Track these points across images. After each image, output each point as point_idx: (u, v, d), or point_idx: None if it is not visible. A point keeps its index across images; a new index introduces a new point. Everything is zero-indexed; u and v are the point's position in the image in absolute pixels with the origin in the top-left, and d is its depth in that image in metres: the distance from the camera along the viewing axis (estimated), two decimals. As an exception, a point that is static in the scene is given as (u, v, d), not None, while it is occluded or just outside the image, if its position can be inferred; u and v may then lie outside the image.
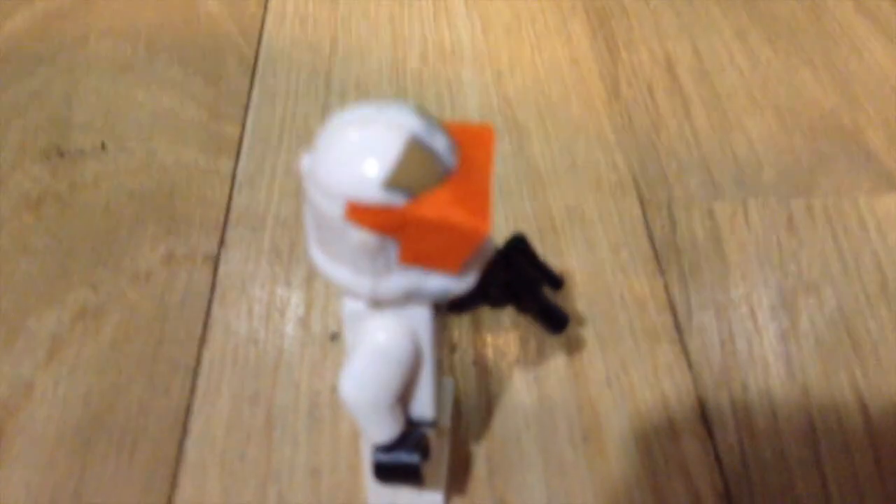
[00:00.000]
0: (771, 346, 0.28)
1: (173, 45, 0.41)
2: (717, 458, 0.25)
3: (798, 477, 0.25)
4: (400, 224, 0.15)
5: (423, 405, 0.19)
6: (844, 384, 0.27)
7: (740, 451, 0.25)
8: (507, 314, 0.29)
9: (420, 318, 0.17)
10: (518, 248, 0.21)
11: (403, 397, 0.18)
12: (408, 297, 0.17)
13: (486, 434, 0.25)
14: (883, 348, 0.28)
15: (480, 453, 0.25)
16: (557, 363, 0.27)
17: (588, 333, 0.28)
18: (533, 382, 0.27)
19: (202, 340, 0.28)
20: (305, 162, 0.16)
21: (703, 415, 0.26)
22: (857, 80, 0.39)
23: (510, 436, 0.25)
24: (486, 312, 0.29)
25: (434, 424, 0.19)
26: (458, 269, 0.16)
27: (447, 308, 0.20)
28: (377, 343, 0.17)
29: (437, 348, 0.18)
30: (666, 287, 0.30)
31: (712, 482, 0.24)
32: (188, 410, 0.26)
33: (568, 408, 0.26)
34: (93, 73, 0.39)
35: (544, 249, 0.31)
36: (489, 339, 0.28)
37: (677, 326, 0.28)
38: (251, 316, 0.29)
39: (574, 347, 0.28)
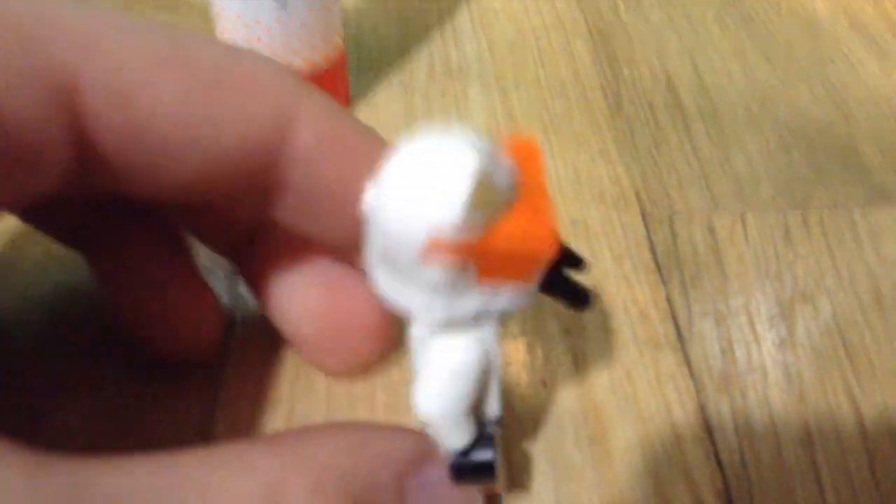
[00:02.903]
0: (769, 353, 0.29)
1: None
2: (718, 461, 0.26)
3: (796, 479, 0.26)
4: (479, 254, 0.16)
5: (492, 408, 0.20)
6: (840, 391, 0.28)
7: (740, 454, 0.26)
8: (515, 321, 0.30)
9: (488, 334, 0.18)
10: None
11: (475, 405, 0.19)
12: (478, 317, 0.17)
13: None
14: (877, 356, 0.29)
15: (490, 457, 0.26)
16: (563, 370, 0.28)
17: (593, 341, 0.29)
18: (540, 388, 0.28)
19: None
20: (372, 195, 0.17)
21: (704, 419, 0.27)
22: (851, 97, 0.40)
23: (519, 440, 0.26)
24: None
25: (500, 422, 0.20)
26: (533, 281, 0.16)
27: None
28: (454, 363, 0.18)
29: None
30: (668, 297, 0.31)
31: (713, 484, 0.25)
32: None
33: (574, 413, 0.27)
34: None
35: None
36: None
37: (679, 335, 0.29)
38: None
39: (579, 355, 0.29)
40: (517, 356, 0.29)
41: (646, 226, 0.33)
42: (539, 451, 0.26)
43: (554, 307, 0.30)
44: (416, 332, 0.18)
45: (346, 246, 0.21)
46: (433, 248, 0.15)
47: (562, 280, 0.21)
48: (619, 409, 0.27)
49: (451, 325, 0.18)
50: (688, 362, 0.29)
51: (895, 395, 0.28)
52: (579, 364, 0.28)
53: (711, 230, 0.33)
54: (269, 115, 0.19)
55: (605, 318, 0.30)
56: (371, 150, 0.19)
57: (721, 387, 0.28)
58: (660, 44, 0.44)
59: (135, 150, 0.17)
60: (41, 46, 0.16)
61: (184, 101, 0.17)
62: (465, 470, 0.19)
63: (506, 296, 0.17)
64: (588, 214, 0.34)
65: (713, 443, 0.26)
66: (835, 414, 0.27)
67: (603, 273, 0.31)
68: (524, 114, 0.39)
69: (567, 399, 0.27)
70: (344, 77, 0.38)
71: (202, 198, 0.20)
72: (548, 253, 0.15)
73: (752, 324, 0.30)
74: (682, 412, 0.27)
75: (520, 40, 0.44)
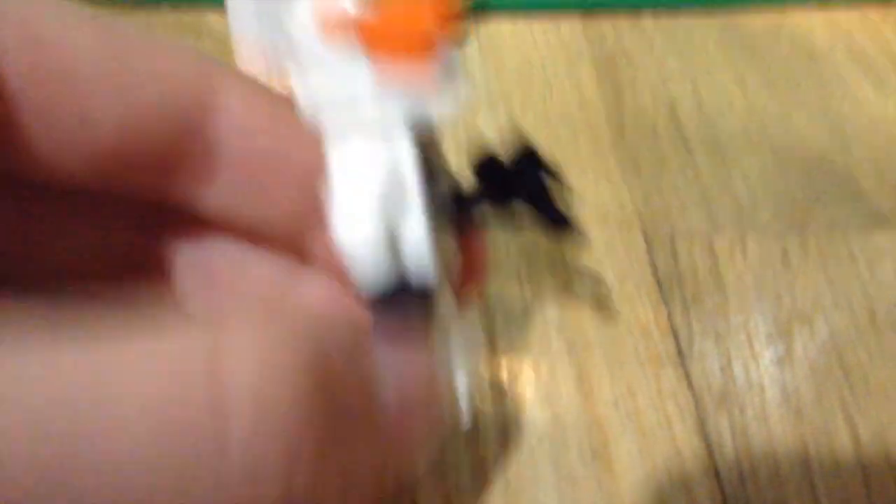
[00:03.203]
0: (767, 371, 0.30)
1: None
2: (717, 476, 0.27)
3: (792, 494, 0.26)
4: (366, 29, 0.16)
5: (413, 245, 0.17)
6: (836, 408, 0.29)
7: (738, 468, 0.27)
8: (520, 338, 0.31)
9: (400, 149, 0.17)
10: (526, 157, 0.18)
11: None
12: (384, 122, 0.16)
13: (501, 451, 0.27)
14: (872, 375, 0.30)
15: (496, 469, 0.27)
16: (568, 385, 0.29)
17: (596, 358, 0.30)
18: (545, 403, 0.29)
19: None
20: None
21: (704, 434, 0.28)
22: (849, 124, 0.41)
23: (524, 453, 0.27)
24: (501, 337, 0.31)
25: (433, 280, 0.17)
26: (428, 64, 0.16)
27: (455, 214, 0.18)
28: (351, 175, 0.17)
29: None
30: (669, 315, 0.32)
31: (712, 498, 0.26)
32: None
33: (578, 427, 0.28)
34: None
35: (554, 280, 0.33)
36: (504, 362, 0.30)
37: (679, 352, 0.30)
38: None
39: (583, 371, 0.30)
40: (522, 372, 0.30)
41: (648, 247, 0.34)
42: (543, 464, 0.27)
43: (558, 324, 0.31)
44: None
45: (291, 229, 0.19)
46: (326, 25, 0.16)
47: (537, 190, 0.19)
48: (621, 423, 0.28)
49: (358, 129, 0.16)
50: (688, 379, 0.29)
51: (890, 413, 0.29)
52: (583, 380, 0.29)
53: (712, 251, 0.34)
54: (191, 75, 0.17)
55: (609, 336, 0.31)
56: (300, 121, 0.18)
57: (720, 403, 0.29)
58: (662, 71, 0.45)
59: (47, 99, 0.16)
60: None
61: (100, 48, 0.16)
62: (384, 299, 0.16)
63: (406, 92, 0.16)
64: (592, 235, 0.35)
65: (712, 458, 0.27)
66: (831, 431, 0.28)
67: (606, 292, 0.32)
68: (530, 138, 0.40)
69: (570, 414, 0.28)
70: (356, 102, 0.40)
71: (125, 176, 0.17)
72: (432, 23, 0.16)
73: (750, 342, 0.31)
74: (683, 427, 0.28)
75: (526, 67, 0.45)
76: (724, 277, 0.33)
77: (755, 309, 0.32)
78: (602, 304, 0.32)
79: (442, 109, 0.16)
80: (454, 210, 0.18)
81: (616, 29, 0.49)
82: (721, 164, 0.39)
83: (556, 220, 0.19)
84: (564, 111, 0.42)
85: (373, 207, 0.16)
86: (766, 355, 0.30)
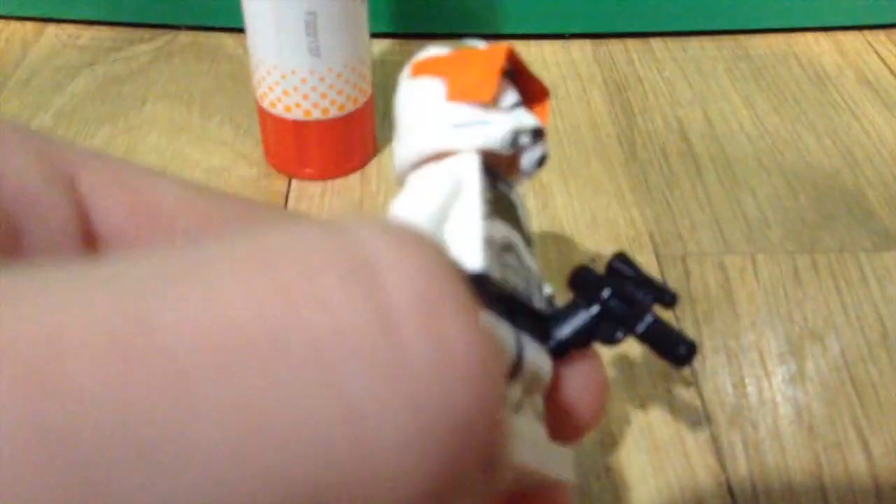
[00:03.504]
0: (779, 389, 0.30)
1: (225, 109, 0.44)
2: (730, 491, 0.27)
3: (805, 510, 0.27)
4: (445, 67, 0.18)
5: (466, 244, 0.15)
6: (848, 424, 0.29)
7: (751, 485, 0.27)
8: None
9: (466, 162, 0.16)
10: (619, 266, 0.17)
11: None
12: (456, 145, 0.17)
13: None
14: (883, 392, 0.30)
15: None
16: (581, 401, 0.30)
17: (610, 374, 0.30)
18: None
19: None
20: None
21: (717, 451, 0.28)
22: (857, 145, 0.42)
23: (538, 467, 0.28)
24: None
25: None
26: (493, 94, 0.17)
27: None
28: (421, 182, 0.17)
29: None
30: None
31: (726, 513, 0.26)
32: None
33: (592, 442, 0.28)
34: (151, 134, 0.42)
35: (568, 298, 0.33)
36: (518, 378, 0.30)
37: (692, 370, 0.31)
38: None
39: (596, 387, 0.30)
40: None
41: (659, 265, 0.35)
42: (558, 477, 0.27)
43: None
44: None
45: None
46: (414, 67, 0.18)
47: (651, 322, 0.16)
48: (634, 439, 0.28)
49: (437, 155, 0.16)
50: (701, 395, 0.30)
51: (902, 431, 0.29)
52: (596, 396, 0.30)
53: (723, 270, 0.35)
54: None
55: (622, 353, 0.31)
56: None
57: (733, 420, 0.29)
58: (672, 94, 0.46)
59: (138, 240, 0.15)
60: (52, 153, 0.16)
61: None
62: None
63: (475, 120, 0.16)
64: (604, 254, 0.35)
65: (725, 473, 0.27)
66: (843, 447, 0.28)
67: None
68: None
69: (585, 429, 0.29)
70: (371, 123, 0.40)
71: None
72: (503, 57, 0.17)
73: (762, 360, 0.31)
74: (695, 443, 0.28)
75: (538, 90, 0.46)
76: (735, 296, 0.34)
77: (767, 327, 0.32)
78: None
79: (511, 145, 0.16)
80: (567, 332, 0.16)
81: (626, 52, 0.49)
82: (731, 184, 0.39)
83: (672, 344, 0.16)
84: (576, 133, 0.43)
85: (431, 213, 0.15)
86: (779, 373, 0.31)
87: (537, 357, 0.15)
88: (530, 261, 0.16)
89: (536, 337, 0.15)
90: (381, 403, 0.09)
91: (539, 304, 0.16)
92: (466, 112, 0.17)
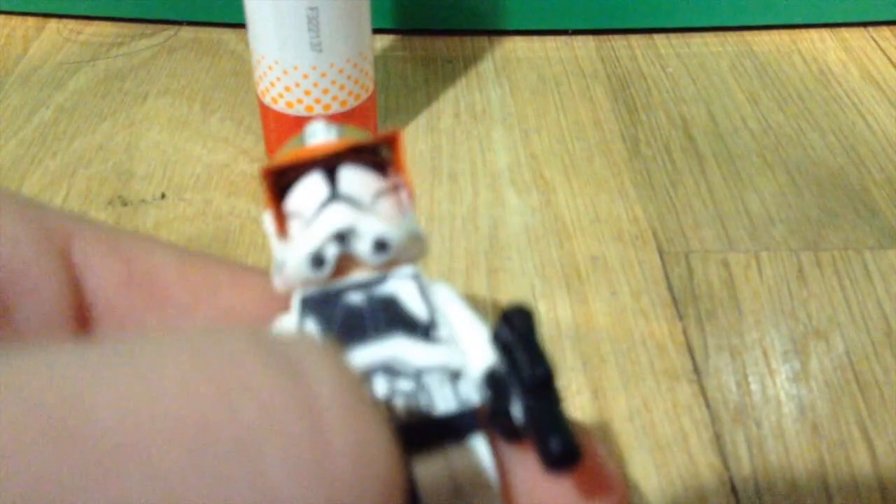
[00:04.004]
0: (783, 387, 0.30)
1: (227, 105, 0.44)
2: (733, 489, 0.27)
3: (809, 508, 0.26)
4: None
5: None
6: (852, 423, 0.29)
7: (755, 483, 0.27)
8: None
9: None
10: (513, 322, 0.13)
11: None
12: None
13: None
14: (888, 390, 0.30)
15: (513, 481, 0.27)
16: (583, 399, 0.29)
17: (611, 373, 0.30)
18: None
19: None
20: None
21: (720, 449, 0.28)
22: (862, 143, 0.42)
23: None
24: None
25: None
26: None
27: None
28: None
29: None
30: (684, 331, 0.32)
31: (729, 511, 0.26)
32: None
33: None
34: (152, 129, 0.42)
35: (570, 295, 0.33)
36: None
37: (695, 368, 0.30)
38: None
39: (598, 386, 0.30)
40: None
41: (663, 263, 0.35)
42: (560, 475, 0.27)
43: (573, 339, 0.31)
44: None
45: None
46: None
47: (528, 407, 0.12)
48: (636, 437, 0.28)
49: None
50: (704, 394, 0.30)
51: (907, 430, 0.29)
52: (598, 394, 0.30)
53: (727, 268, 0.34)
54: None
55: (624, 351, 0.31)
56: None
57: (736, 418, 0.29)
58: (676, 90, 0.46)
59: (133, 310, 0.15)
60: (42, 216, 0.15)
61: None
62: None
63: (279, 264, 0.14)
64: (607, 252, 0.35)
65: (729, 472, 0.27)
66: (847, 445, 0.28)
67: (621, 307, 0.33)
68: (545, 155, 0.41)
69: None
70: (373, 118, 0.40)
71: None
72: (265, 176, 0.14)
73: (766, 358, 0.31)
74: (698, 441, 0.28)
75: (541, 86, 0.46)
76: (739, 294, 0.33)
77: (771, 325, 0.32)
78: (617, 318, 0.32)
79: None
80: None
81: (629, 48, 0.49)
82: (735, 181, 0.39)
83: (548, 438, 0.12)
84: (579, 129, 0.43)
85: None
86: (782, 371, 0.30)
87: (461, 464, 0.12)
88: (426, 354, 0.13)
89: (449, 443, 0.13)
90: (302, 493, 0.09)
91: (444, 402, 0.13)
92: (278, 253, 0.14)
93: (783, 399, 0.30)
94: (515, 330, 0.13)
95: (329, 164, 0.14)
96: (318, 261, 0.14)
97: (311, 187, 0.14)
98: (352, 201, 0.14)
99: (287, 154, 0.14)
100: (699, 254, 0.35)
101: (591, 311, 0.33)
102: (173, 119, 0.43)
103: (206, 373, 0.10)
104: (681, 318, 0.32)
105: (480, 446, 0.13)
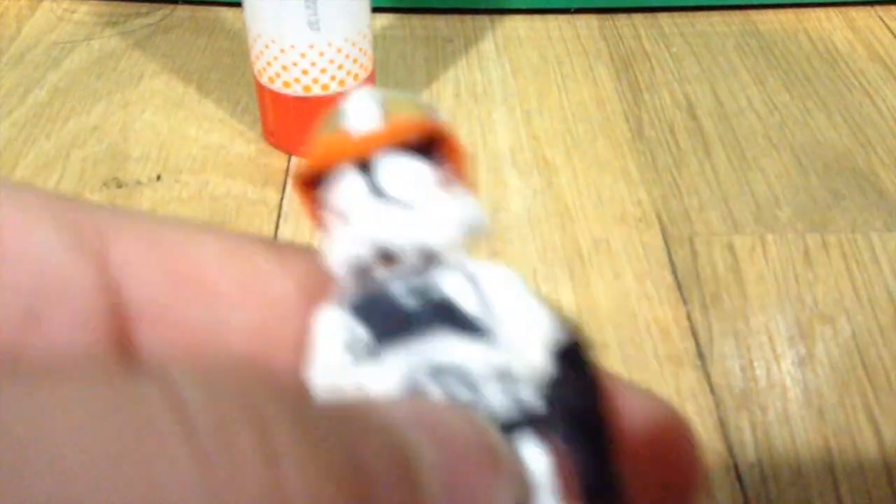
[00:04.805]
0: (788, 372, 0.29)
1: (223, 85, 0.43)
2: (738, 476, 0.26)
3: (815, 494, 0.26)
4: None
5: None
6: (859, 408, 0.28)
7: (760, 469, 0.27)
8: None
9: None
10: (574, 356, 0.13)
11: None
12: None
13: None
14: (895, 375, 0.29)
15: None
16: (586, 384, 0.29)
17: (615, 358, 0.30)
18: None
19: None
20: None
21: (725, 435, 0.27)
22: (869, 124, 0.41)
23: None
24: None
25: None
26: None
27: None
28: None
29: None
30: (688, 315, 0.31)
31: (733, 497, 0.26)
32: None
33: (596, 426, 0.28)
34: (147, 110, 0.42)
35: (573, 279, 0.33)
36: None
37: (699, 352, 0.30)
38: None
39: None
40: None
41: (667, 246, 0.34)
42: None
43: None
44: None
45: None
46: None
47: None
48: (640, 422, 0.28)
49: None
50: (708, 379, 0.29)
51: (914, 415, 0.28)
52: (602, 378, 0.29)
53: (732, 251, 0.34)
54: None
55: (627, 335, 0.31)
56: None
57: (741, 404, 0.28)
58: (680, 70, 0.45)
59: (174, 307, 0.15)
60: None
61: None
62: None
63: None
64: (610, 234, 0.35)
65: (733, 456, 0.27)
66: (854, 431, 0.28)
67: (625, 291, 0.32)
68: (547, 136, 0.40)
69: (590, 412, 0.28)
70: (373, 99, 0.40)
71: None
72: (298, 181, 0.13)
73: (772, 342, 0.30)
74: (703, 428, 0.28)
75: (543, 65, 0.45)
76: (744, 277, 0.33)
77: (776, 309, 0.32)
78: (620, 304, 0.32)
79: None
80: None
81: (633, 27, 0.48)
82: (740, 163, 0.39)
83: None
84: (581, 109, 0.42)
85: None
86: (788, 356, 0.30)
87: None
88: (477, 354, 0.13)
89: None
90: None
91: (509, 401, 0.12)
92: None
93: (789, 384, 0.29)
94: (575, 376, 0.12)
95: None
96: (356, 266, 0.13)
97: (348, 184, 0.13)
98: (394, 201, 0.13)
99: (322, 147, 0.13)
100: (704, 237, 0.35)
101: (594, 295, 0.32)
102: (169, 99, 0.42)
103: (115, 447, 0.09)
104: (685, 302, 0.32)
105: (534, 449, 0.12)
